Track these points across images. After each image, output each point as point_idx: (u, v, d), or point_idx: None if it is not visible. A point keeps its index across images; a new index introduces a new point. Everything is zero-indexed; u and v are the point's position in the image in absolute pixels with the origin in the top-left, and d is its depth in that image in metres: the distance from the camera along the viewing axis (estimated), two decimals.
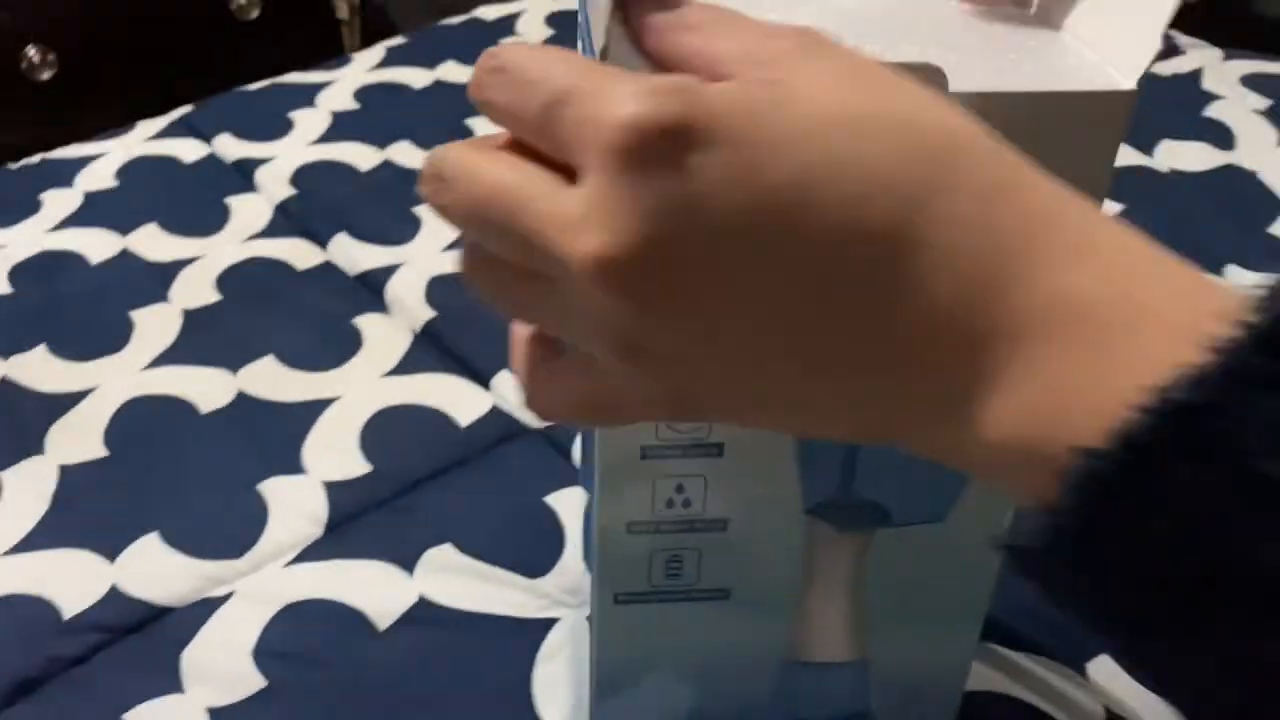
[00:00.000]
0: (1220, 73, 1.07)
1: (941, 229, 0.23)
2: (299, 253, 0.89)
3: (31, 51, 1.91)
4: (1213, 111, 1.02)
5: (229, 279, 0.86)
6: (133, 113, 1.09)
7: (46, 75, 1.93)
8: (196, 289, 0.85)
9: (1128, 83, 0.30)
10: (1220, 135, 0.98)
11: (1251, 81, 1.06)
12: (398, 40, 1.20)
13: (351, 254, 0.88)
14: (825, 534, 0.38)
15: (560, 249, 0.24)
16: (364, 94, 1.10)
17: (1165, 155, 0.97)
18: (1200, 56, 1.09)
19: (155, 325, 0.81)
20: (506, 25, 1.22)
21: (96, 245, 0.90)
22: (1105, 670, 0.56)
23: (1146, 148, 0.97)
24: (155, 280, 0.86)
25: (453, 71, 1.14)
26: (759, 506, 0.37)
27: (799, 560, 0.39)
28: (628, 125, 0.22)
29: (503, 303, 0.28)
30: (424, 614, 0.60)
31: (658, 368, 0.25)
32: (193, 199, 0.95)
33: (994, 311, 0.23)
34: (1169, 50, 1.12)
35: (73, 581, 0.62)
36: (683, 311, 0.24)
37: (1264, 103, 1.02)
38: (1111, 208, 0.88)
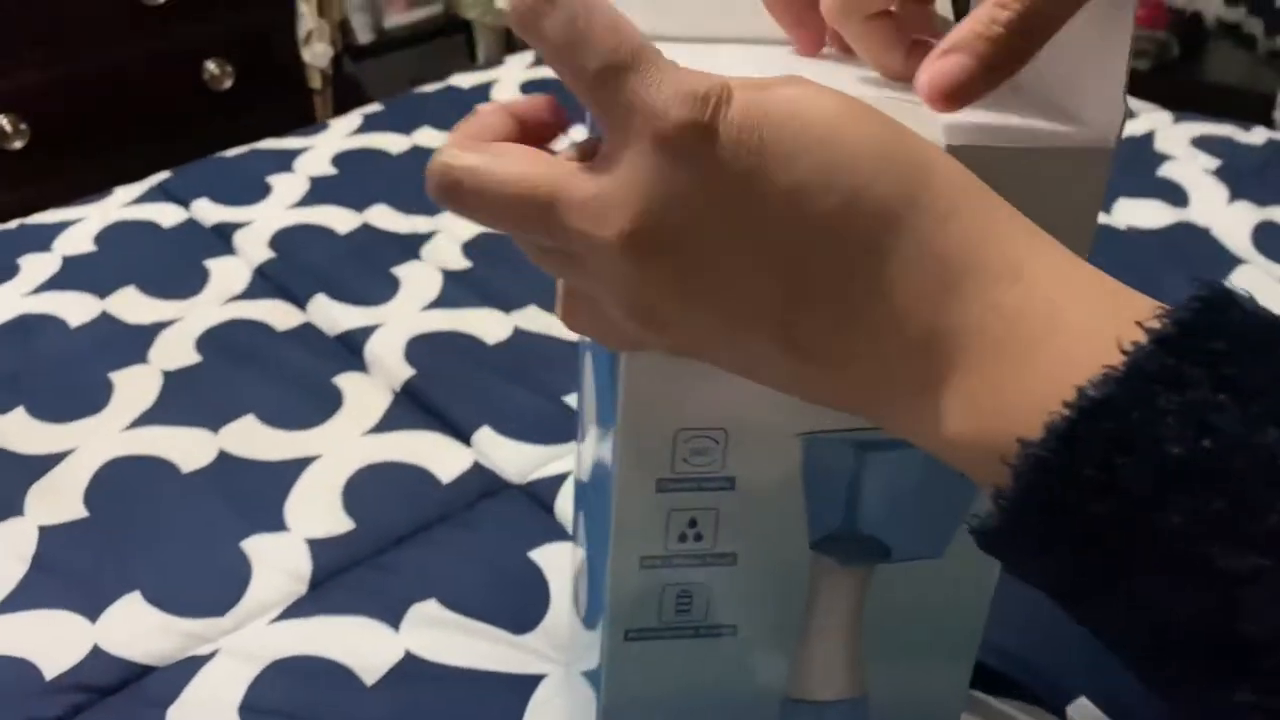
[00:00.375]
0: (1171, 134, 1.12)
1: (906, 243, 0.27)
2: (278, 314, 0.89)
3: (3, 121, 1.92)
4: (1165, 171, 1.06)
5: (208, 340, 0.86)
6: (104, 180, 1.10)
7: (18, 145, 1.94)
8: (176, 350, 0.85)
9: (1108, 140, 0.32)
10: (1174, 194, 1.02)
11: (1201, 143, 1.10)
12: (374, 107, 1.23)
13: (331, 314, 0.89)
14: (829, 568, 0.39)
15: (589, 235, 0.27)
16: (341, 160, 1.12)
17: (1123, 212, 1.01)
18: (1152, 119, 1.14)
19: (135, 386, 0.81)
20: (482, 92, 1.25)
21: (75, 308, 0.90)
22: (1085, 713, 0.57)
23: (1105, 205, 1.01)
24: (135, 342, 0.86)
25: (429, 137, 1.16)
26: (767, 540, 0.38)
27: (803, 596, 0.40)
28: (679, 123, 0.26)
29: (539, 262, 0.31)
30: (412, 669, 0.60)
31: (664, 326, 0.29)
32: (171, 262, 0.96)
33: (941, 320, 0.27)
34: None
35: (54, 642, 0.62)
36: (690, 289, 0.28)
37: (1214, 163, 1.06)
38: None
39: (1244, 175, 1.04)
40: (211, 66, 2.13)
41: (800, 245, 0.27)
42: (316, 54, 2.30)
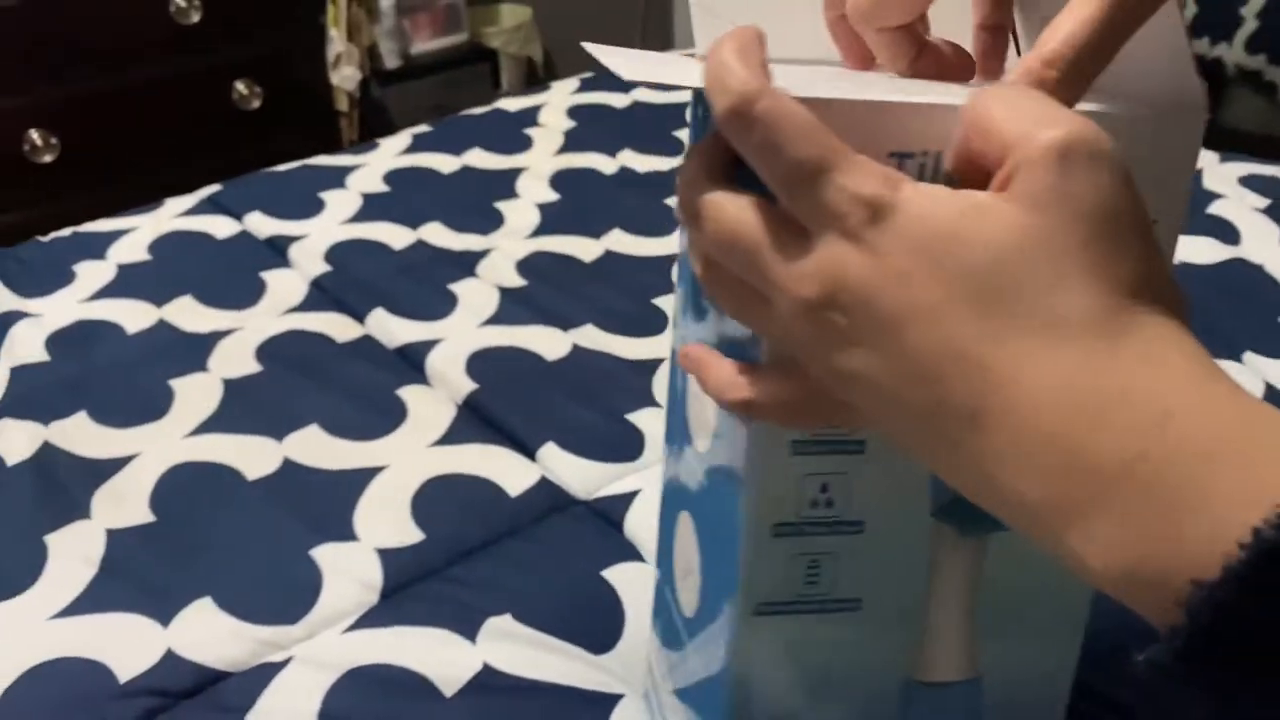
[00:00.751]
0: (1219, 173, 1.12)
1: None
2: (337, 326, 0.89)
3: (34, 135, 1.93)
4: (1216, 209, 1.06)
5: (268, 350, 0.86)
6: (132, 197, 1.10)
7: (48, 159, 1.95)
8: (236, 359, 0.85)
9: (1199, 102, 0.33)
10: (1225, 231, 1.03)
11: (1249, 182, 1.11)
12: (423, 128, 1.23)
13: (389, 328, 0.89)
14: (949, 538, 0.39)
15: (785, 290, 0.31)
16: (393, 177, 1.12)
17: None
18: (1200, 159, 1.14)
19: (196, 394, 0.81)
20: (530, 115, 1.26)
21: (132, 315, 0.90)
22: None
23: None
24: (193, 350, 0.86)
25: (479, 158, 1.17)
26: (892, 507, 0.39)
27: (924, 569, 0.40)
28: (859, 221, 0.29)
29: (729, 306, 0.34)
30: (491, 681, 0.59)
31: (826, 373, 0.31)
32: (226, 273, 0.96)
33: (1087, 456, 0.27)
34: None
35: (126, 645, 0.61)
36: (855, 354, 0.30)
37: (1263, 201, 1.07)
38: None
39: None
40: (241, 87, 2.15)
41: (936, 360, 0.28)
42: (345, 77, 2.31)
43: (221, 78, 2.13)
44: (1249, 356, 0.85)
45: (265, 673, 0.60)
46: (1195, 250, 1.00)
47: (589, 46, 0.39)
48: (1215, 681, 0.25)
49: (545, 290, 0.94)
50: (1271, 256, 0.99)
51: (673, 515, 0.48)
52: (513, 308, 0.92)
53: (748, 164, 0.31)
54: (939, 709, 0.43)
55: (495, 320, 0.90)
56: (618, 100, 1.32)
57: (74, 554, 0.67)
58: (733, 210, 0.31)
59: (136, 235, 1.01)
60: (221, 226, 1.03)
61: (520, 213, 1.07)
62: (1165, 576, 0.25)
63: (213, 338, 0.87)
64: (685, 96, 1.30)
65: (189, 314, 0.91)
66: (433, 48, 2.47)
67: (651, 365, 0.85)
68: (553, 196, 1.10)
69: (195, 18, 2.02)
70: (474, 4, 2.52)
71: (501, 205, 1.08)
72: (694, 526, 0.45)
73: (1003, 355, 0.27)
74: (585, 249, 1.01)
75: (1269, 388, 0.81)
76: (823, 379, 0.32)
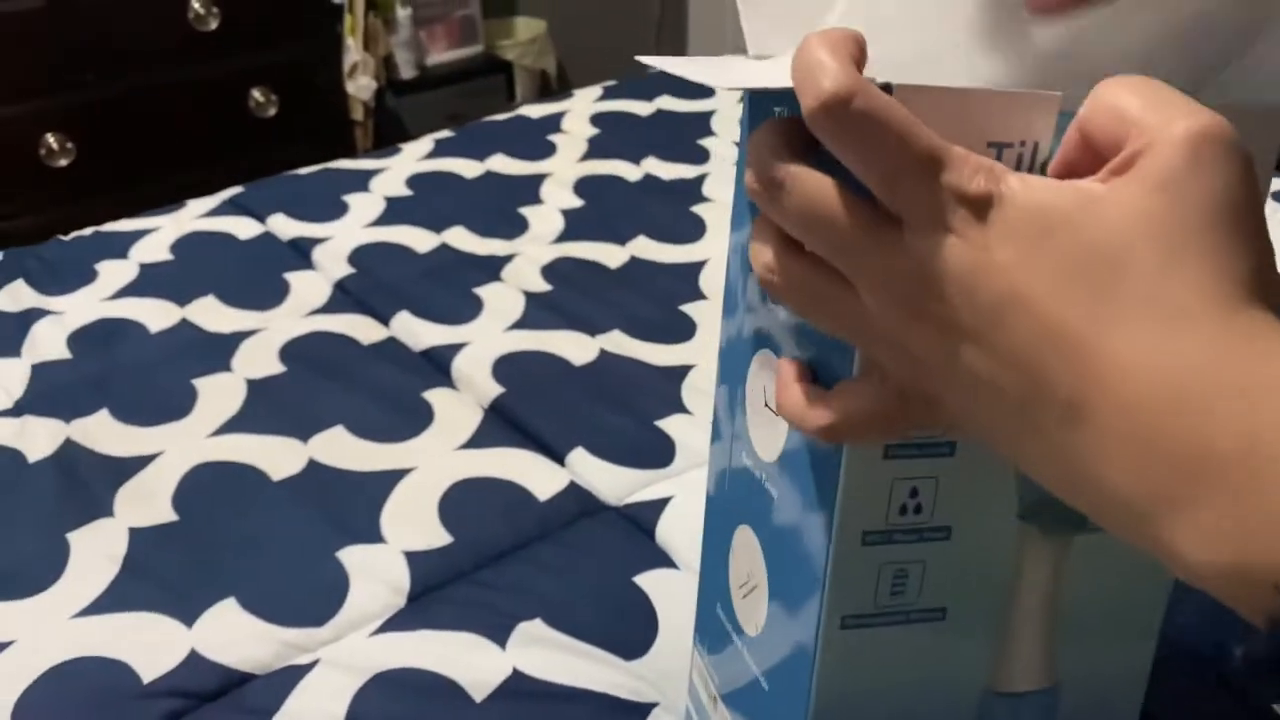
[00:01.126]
0: None
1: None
2: (361, 328, 0.88)
3: (50, 139, 1.93)
4: None
5: (292, 351, 0.85)
6: (147, 201, 1.09)
7: (64, 163, 1.95)
8: (259, 359, 0.84)
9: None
10: None
11: (1277, 197, 1.10)
12: (445, 133, 1.23)
13: (415, 331, 0.88)
14: (1033, 541, 0.38)
15: (879, 276, 0.30)
16: (416, 181, 1.12)
17: None
18: None
19: (219, 393, 0.80)
20: (553, 122, 1.25)
21: (154, 314, 0.89)
22: None
23: None
24: (216, 350, 0.85)
25: (502, 164, 1.16)
26: (979, 511, 0.38)
27: (1008, 576, 0.39)
28: (964, 217, 0.28)
29: (800, 301, 0.33)
30: (521, 686, 0.58)
31: (913, 370, 0.31)
32: (249, 274, 0.95)
33: (1195, 444, 0.26)
34: None
35: (149, 645, 0.60)
36: (952, 344, 0.29)
37: None
38: None
39: None
40: (257, 94, 2.14)
41: (1037, 344, 0.28)
42: (360, 87, 2.32)
43: (238, 85, 2.13)
44: None
45: (291, 675, 0.59)
46: None
47: (649, 59, 0.38)
48: None
49: (571, 295, 0.93)
50: None
51: (725, 529, 0.47)
52: (538, 312, 0.91)
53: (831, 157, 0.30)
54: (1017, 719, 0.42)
55: (521, 324, 0.89)
56: (641, 108, 1.32)
57: (97, 552, 0.66)
58: (822, 185, 0.30)
59: (159, 235, 1.01)
60: (244, 228, 1.03)
61: (544, 218, 1.06)
62: (1270, 569, 0.24)
63: (236, 338, 0.86)
64: (712, 104, 1.29)
65: (212, 314, 0.90)
66: (448, 59, 2.47)
67: (680, 371, 0.84)
68: (577, 202, 1.10)
69: (213, 24, 2.02)
70: (490, 16, 2.52)
71: (525, 210, 1.08)
72: (758, 540, 0.43)
73: (1109, 340, 0.27)
74: (611, 255, 1.00)
75: None
76: (911, 375, 0.31)
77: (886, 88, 0.30)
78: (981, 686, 0.41)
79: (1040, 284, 0.27)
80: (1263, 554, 0.25)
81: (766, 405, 0.41)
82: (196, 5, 2.00)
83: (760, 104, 0.38)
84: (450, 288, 0.94)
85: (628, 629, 0.62)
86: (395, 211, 1.06)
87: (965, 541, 0.38)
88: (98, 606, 0.62)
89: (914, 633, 0.39)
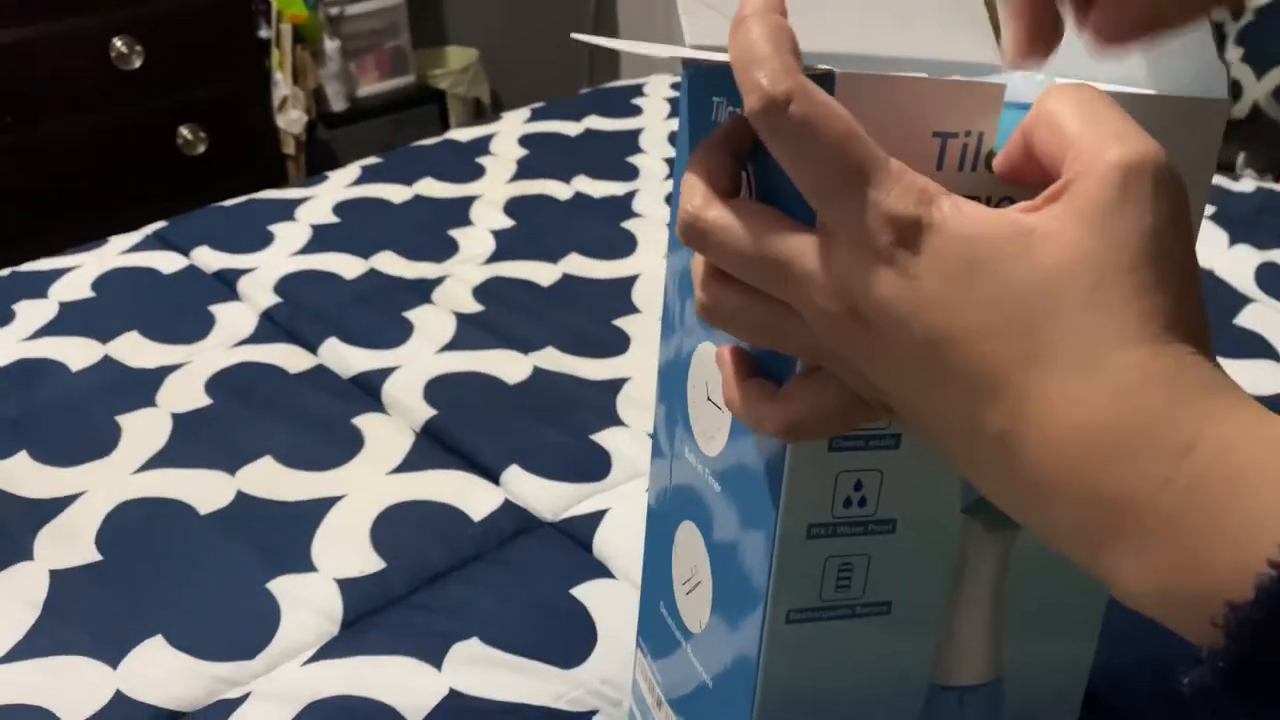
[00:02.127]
0: None
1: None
2: (290, 357, 0.87)
3: None
4: None
5: (218, 383, 0.84)
6: (76, 243, 1.07)
7: None
8: (185, 393, 0.82)
9: (1222, 93, 0.33)
10: None
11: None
12: (373, 160, 1.22)
13: (344, 357, 0.87)
14: (977, 535, 0.38)
15: (816, 302, 0.30)
16: (343, 209, 1.11)
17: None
18: None
19: (144, 429, 0.79)
20: (482, 144, 1.25)
21: (76, 352, 0.87)
22: None
23: None
24: (141, 385, 0.83)
25: (431, 187, 1.15)
26: (924, 505, 0.37)
27: (952, 567, 0.39)
28: (889, 241, 0.28)
29: (745, 329, 0.33)
30: (457, 705, 0.57)
31: (863, 382, 0.31)
32: (174, 308, 0.94)
33: (1112, 487, 0.26)
34: None
35: (72, 689, 0.58)
36: (889, 370, 0.30)
37: (1209, 209, 1.08)
38: None
39: (1239, 221, 1.07)
40: (185, 132, 2.12)
41: (971, 383, 0.28)
42: (291, 120, 2.30)
43: (165, 123, 2.10)
44: None
45: (222, 710, 0.57)
46: None
47: (584, 37, 0.38)
48: (1265, 699, 0.25)
49: (504, 314, 0.93)
50: (1220, 262, 1.00)
51: (668, 526, 0.46)
52: (471, 332, 0.90)
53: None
54: (960, 713, 0.41)
55: (453, 346, 0.88)
56: (570, 128, 1.32)
57: (15, 597, 0.64)
58: (749, 226, 0.30)
59: (80, 273, 0.99)
60: (168, 262, 1.01)
61: (475, 239, 1.06)
62: (1199, 599, 0.25)
63: (160, 372, 0.85)
64: (640, 121, 1.29)
65: (135, 349, 0.88)
66: (380, 90, 2.46)
67: (615, 385, 0.83)
68: (508, 223, 1.09)
69: (136, 63, 2.00)
70: (420, 46, 2.52)
71: (455, 233, 1.07)
72: (702, 535, 0.43)
73: (1037, 381, 0.27)
74: (543, 273, 1.00)
75: None
76: (862, 386, 0.31)
77: (829, 76, 0.29)
78: (927, 681, 0.41)
79: (970, 322, 0.27)
80: (1189, 589, 0.25)
81: (709, 399, 0.40)
82: (119, 44, 1.97)
83: (699, 96, 0.38)
84: (379, 312, 0.93)
85: (566, 640, 0.61)
86: (322, 239, 1.05)
87: (910, 535, 0.38)
88: (17, 653, 0.60)
89: (860, 627, 0.39)
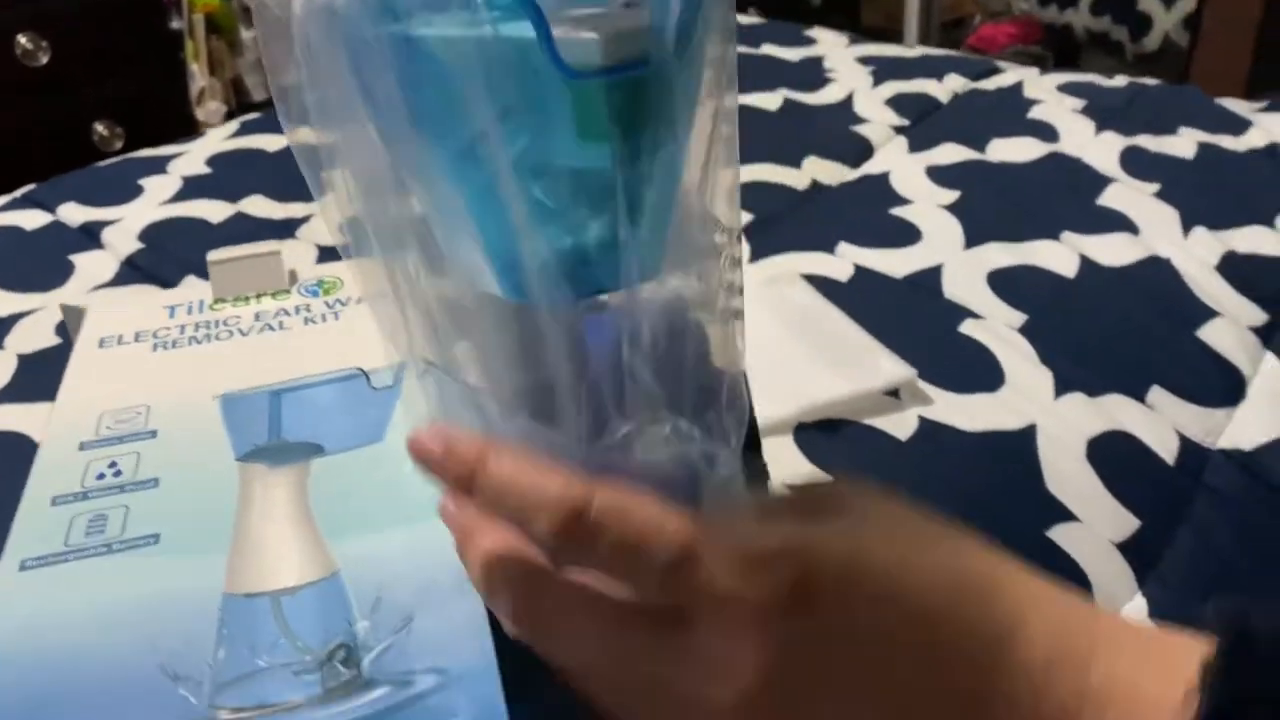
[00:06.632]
0: (1039, 84, 1.14)
1: (1002, 670, 0.29)
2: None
3: None
4: (1036, 114, 1.08)
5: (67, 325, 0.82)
6: None
7: None
8: (33, 335, 0.81)
9: None
10: (1044, 131, 1.04)
11: (1067, 89, 1.13)
12: (254, 115, 1.21)
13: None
14: (260, 472, 0.43)
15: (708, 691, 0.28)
16: (216, 160, 1.10)
17: (996, 151, 1.02)
18: (1019, 73, 1.16)
19: None
20: None
21: None
22: None
23: (979, 146, 1.02)
24: None
25: (308, 135, 1.14)
26: (190, 466, 0.42)
27: (232, 500, 0.42)
28: (757, 605, 0.27)
29: (598, 644, 0.30)
30: None
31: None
32: (34, 260, 0.92)
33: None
34: (989, 70, 1.19)
35: None
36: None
37: (1080, 103, 1.09)
38: (949, 195, 0.92)
39: (1108, 112, 1.07)
40: (100, 128, 2.10)
41: (894, 688, 0.29)
42: (210, 112, 2.28)
43: (79, 120, 2.08)
44: (1066, 235, 0.85)
45: None
46: (1016, 150, 1.01)
47: None
48: None
49: (367, 246, 0.92)
50: (1088, 149, 1.00)
51: None
52: (338, 262, 0.89)
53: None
54: (288, 611, 0.41)
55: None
56: None
57: None
58: (630, 514, 0.27)
59: None
60: (33, 219, 0.99)
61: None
62: None
63: (11, 320, 0.84)
64: None
65: None
66: None
67: None
68: None
69: (43, 59, 1.98)
70: None
71: (333, 175, 1.06)
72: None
73: None
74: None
75: (1084, 259, 0.81)
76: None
77: None
78: (219, 592, 0.41)
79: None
80: None
81: None
82: (23, 40, 1.95)
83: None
84: None
85: None
86: (192, 189, 1.03)
87: (177, 485, 0.42)
88: None
89: (121, 560, 0.41)
